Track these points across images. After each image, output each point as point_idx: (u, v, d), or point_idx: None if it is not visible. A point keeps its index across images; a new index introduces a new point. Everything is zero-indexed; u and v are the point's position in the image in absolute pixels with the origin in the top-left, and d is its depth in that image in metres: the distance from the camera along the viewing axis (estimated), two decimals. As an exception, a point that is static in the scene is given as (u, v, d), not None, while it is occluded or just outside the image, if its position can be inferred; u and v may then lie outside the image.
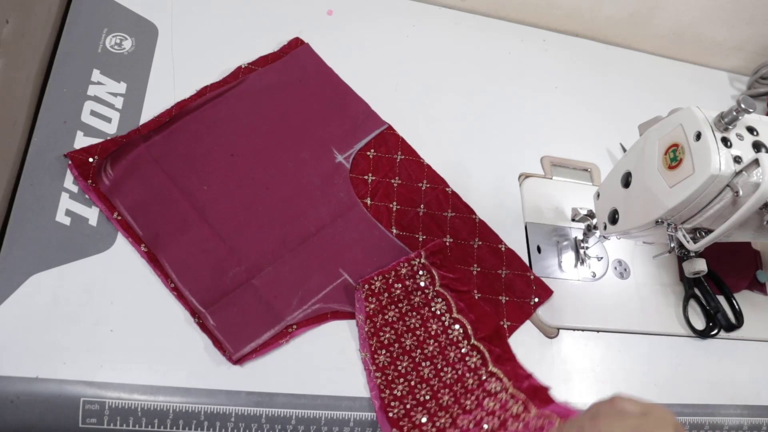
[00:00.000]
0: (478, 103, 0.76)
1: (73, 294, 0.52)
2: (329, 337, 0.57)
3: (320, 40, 0.72)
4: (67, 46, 0.62)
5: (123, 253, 0.55)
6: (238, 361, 0.53)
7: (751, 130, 0.51)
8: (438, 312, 0.58)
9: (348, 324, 0.58)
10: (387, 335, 0.56)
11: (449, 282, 0.60)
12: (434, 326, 0.57)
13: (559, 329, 0.64)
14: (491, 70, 0.80)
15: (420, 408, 0.54)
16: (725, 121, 0.49)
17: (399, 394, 0.54)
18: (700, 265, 0.58)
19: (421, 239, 0.63)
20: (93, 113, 0.59)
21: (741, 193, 0.48)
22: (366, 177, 0.65)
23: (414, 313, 0.58)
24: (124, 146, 0.58)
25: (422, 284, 0.59)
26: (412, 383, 0.55)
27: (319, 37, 0.72)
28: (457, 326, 0.58)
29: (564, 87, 0.82)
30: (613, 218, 0.60)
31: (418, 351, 0.57)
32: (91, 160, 0.56)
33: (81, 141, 0.58)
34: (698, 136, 0.50)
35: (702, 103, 0.52)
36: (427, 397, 0.55)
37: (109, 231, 0.55)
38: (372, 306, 0.57)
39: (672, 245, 0.55)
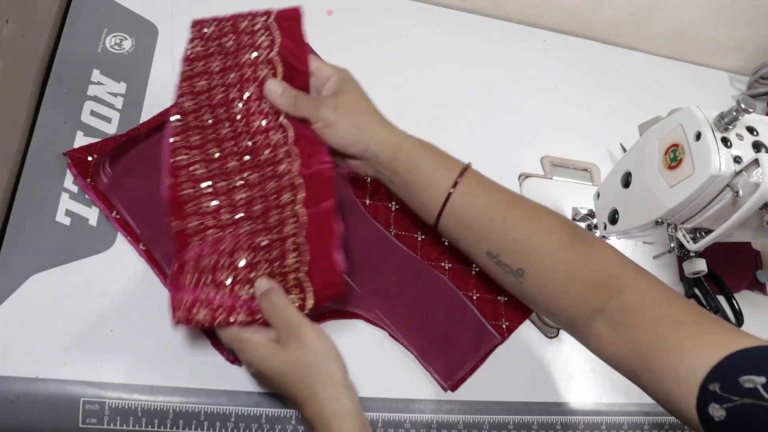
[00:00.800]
0: (478, 103, 0.76)
1: (73, 294, 0.52)
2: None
3: (320, 40, 0.72)
4: (67, 46, 0.62)
5: (123, 253, 0.55)
6: (237, 361, 0.53)
7: (751, 130, 0.51)
8: (259, 76, 0.52)
9: (348, 324, 0.58)
10: (201, 82, 0.53)
11: (288, 53, 0.53)
12: (251, 89, 0.52)
13: (559, 329, 0.64)
14: (491, 70, 0.80)
15: (198, 152, 0.52)
16: (725, 121, 0.49)
17: (189, 143, 0.52)
18: (700, 265, 0.58)
19: (420, 239, 0.63)
20: (93, 113, 0.59)
21: (741, 193, 0.48)
22: (366, 177, 0.65)
23: (237, 69, 0.53)
24: (123, 145, 0.58)
25: (260, 43, 0.53)
26: (208, 138, 0.52)
27: (319, 37, 0.72)
28: (273, 85, 0.52)
29: (564, 87, 0.82)
30: (613, 218, 0.60)
31: (224, 109, 0.53)
32: (90, 158, 0.56)
33: (81, 141, 0.58)
34: (698, 136, 0.50)
35: (702, 103, 0.53)
36: (216, 155, 0.52)
37: (109, 231, 0.55)
38: (197, 50, 0.54)
39: (672, 245, 0.55)
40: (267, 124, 0.52)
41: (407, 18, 0.80)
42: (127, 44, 0.64)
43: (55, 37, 0.63)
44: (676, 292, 0.47)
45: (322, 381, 0.45)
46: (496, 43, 0.82)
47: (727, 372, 0.38)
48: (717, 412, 0.38)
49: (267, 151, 0.52)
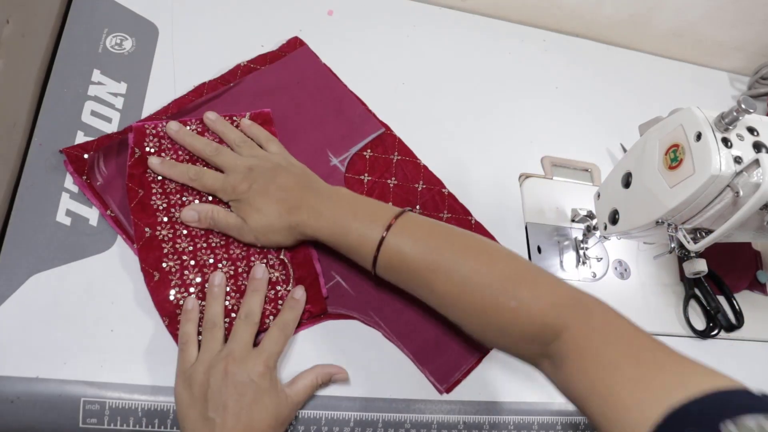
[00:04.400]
0: (478, 103, 0.76)
1: (73, 294, 0.52)
2: (328, 338, 0.57)
3: (320, 40, 0.72)
4: (67, 46, 0.62)
5: (123, 253, 0.55)
6: None
7: (751, 130, 0.51)
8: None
9: (348, 324, 0.58)
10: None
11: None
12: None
13: (559, 329, 0.64)
14: (491, 70, 0.80)
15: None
16: (726, 122, 0.49)
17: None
18: (701, 266, 0.58)
19: (421, 239, 0.63)
20: (93, 113, 0.59)
21: (741, 193, 0.48)
22: (362, 177, 0.65)
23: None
24: (118, 144, 0.58)
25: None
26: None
27: (319, 37, 0.72)
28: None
29: (564, 87, 0.82)
30: (614, 219, 0.60)
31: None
32: (86, 156, 0.56)
33: (81, 141, 0.58)
34: (699, 136, 0.50)
35: (702, 103, 0.53)
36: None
37: (110, 231, 0.55)
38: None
39: (672, 245, 0.55)
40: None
41: (407, 18, 0.80)
42: (127, 44, 0.64)
43: (55, 37, 0.63)
44: (627, 327, 0.44)
45: None
46: (496, 43, 0.82)
47: None
48: None
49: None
